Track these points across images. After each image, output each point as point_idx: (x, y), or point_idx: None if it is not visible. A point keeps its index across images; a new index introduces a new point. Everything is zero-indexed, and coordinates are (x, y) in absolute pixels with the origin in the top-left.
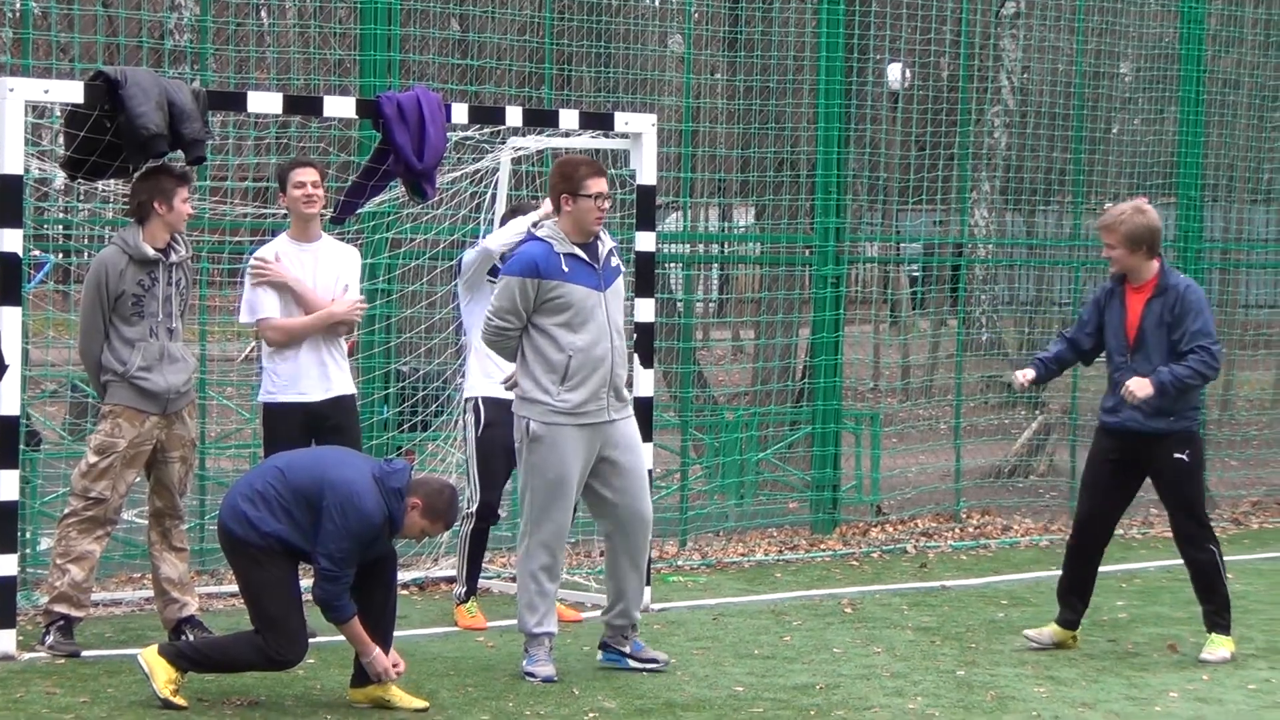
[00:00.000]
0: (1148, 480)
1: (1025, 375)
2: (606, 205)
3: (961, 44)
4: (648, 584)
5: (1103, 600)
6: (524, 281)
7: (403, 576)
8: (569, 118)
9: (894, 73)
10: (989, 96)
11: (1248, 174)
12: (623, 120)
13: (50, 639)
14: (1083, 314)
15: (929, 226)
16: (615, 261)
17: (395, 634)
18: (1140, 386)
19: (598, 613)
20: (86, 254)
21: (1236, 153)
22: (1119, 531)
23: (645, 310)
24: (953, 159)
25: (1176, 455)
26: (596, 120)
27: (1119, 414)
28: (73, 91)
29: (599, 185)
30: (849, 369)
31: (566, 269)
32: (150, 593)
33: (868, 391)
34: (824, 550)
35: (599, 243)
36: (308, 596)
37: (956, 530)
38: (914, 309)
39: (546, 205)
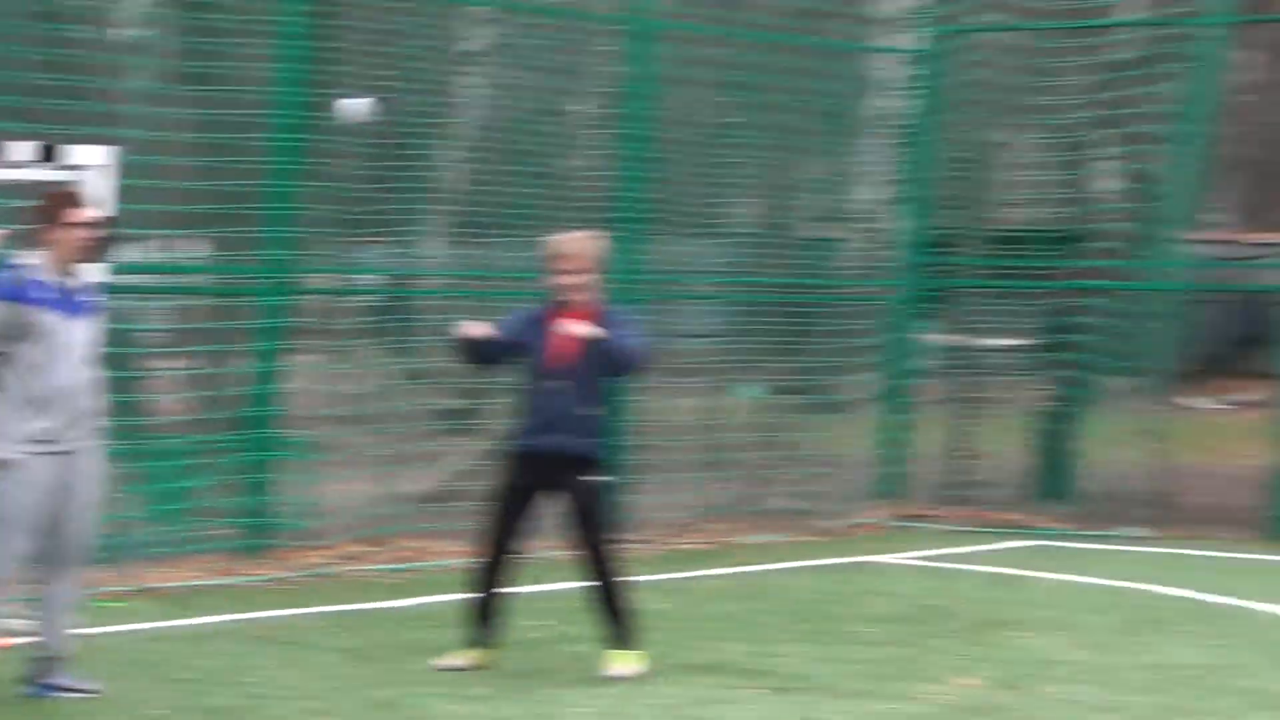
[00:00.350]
0: (556, 501)
1: (481, 329)
2: (89, 236)
3: (420, 79)
4: (77, 611)
5: (517, 620)
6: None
7: None
8: (19, 150)
9: (350, 108)
10: (446, 131)
11: (691, 208)
12: (74, 153)
13: None
14: (502, 330)
15: (380, 258)
16: (91, 294)
17: None
18: (582, 326)
19: (24, 640)
20: None
21: (681, 187)
22: (530, 553)
23: None
24: (407, 192)
25: (590, 477)
26: (49, 153)
27: (538, 437)
28: None
29: (81, 216)
30: (291, 397)
31: (42, 297)
32: None
33: (307, 418)
34: (254, 575)
35: (77, 274)
36: None
37: (386, 554)
38: (361, 339)
39: None
